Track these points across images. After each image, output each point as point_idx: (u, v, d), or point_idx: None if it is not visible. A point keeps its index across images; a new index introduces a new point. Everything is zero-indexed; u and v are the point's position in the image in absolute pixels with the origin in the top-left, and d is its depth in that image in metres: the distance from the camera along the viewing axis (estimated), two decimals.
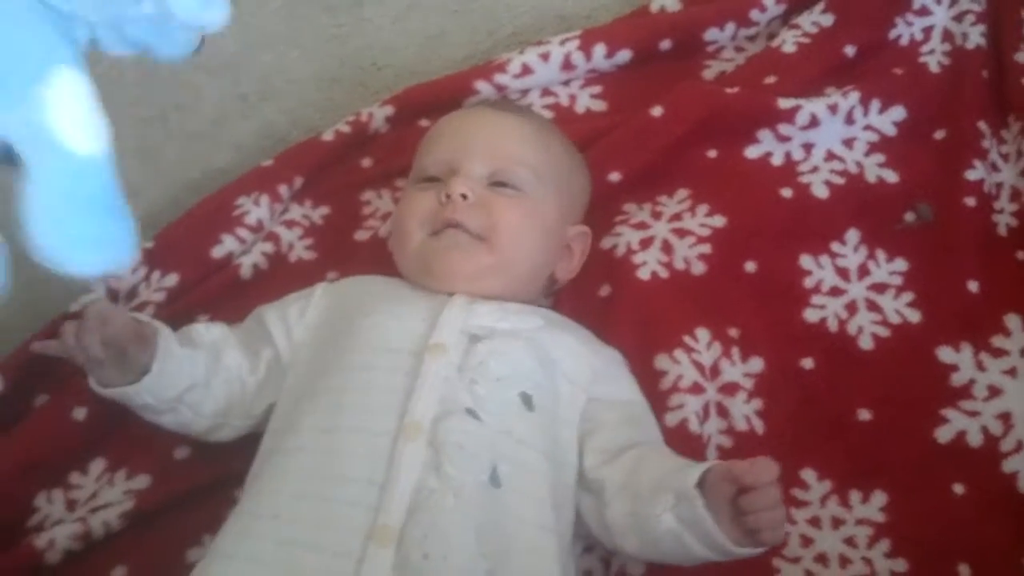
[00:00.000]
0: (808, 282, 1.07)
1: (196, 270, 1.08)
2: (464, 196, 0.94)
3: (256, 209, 1.11)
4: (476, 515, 0.79)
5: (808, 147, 1.15)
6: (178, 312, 1.03)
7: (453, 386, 0.84)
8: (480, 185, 0.96)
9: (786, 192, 1.12)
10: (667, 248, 1.07)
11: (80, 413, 0.97)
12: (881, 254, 1.08)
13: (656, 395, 0.96)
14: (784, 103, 1.14)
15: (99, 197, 0.60)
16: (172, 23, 0.63)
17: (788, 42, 1.21)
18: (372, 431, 0.82)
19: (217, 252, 1.09)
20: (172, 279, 1.07)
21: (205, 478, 0.95)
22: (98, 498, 0.95)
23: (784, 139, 1.15)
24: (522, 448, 0.84)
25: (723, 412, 0.99)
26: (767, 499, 0.76)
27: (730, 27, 1.24)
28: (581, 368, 0.92)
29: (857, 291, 1.06)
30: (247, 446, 0.90)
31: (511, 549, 0.80)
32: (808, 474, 0.96)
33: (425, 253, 0.94)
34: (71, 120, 0.59)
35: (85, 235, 0.59)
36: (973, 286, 1.05)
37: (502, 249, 0.94)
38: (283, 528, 0.78)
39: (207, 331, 0.94)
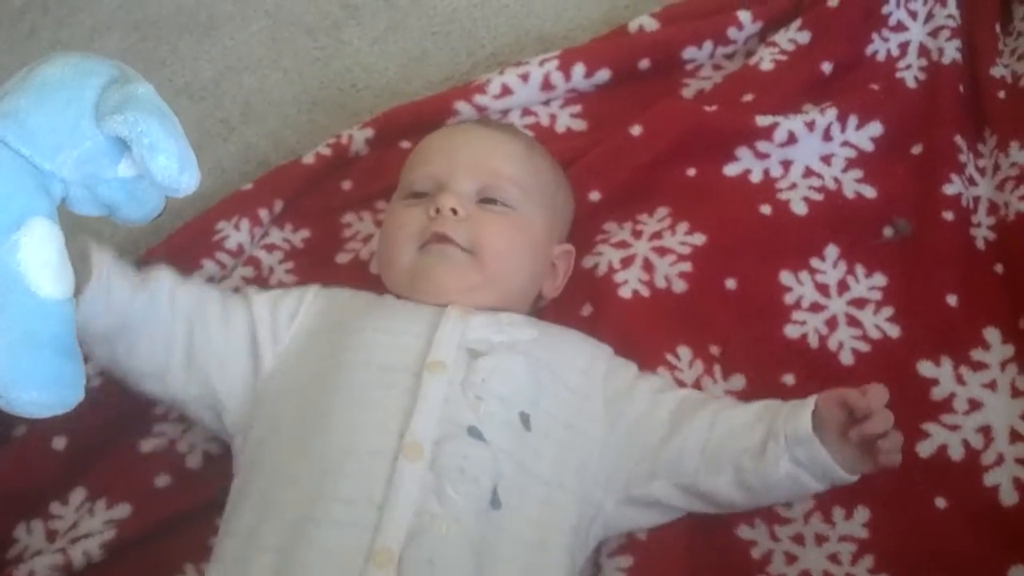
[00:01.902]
0: (788, 298, 1.07)
1: None
2: (454, 211, 0.94)
3: (236, 233, 1.11)
4: (475, 539, 0.79)
5: (786, 164, 1.15)
6: None
7: (455, 404, 0.84)
8: (469, 201, 0.96)
9: (765, 209, 1.12)
10: (648, 266, 1.07)
11: (60, 442, 0.97)
12: (860, 269, 1.09)
13: None
14: (762, 120, 1.15)
15: (58, 339, 0.65)
16: (143, 186, 0.68)
17: (765, 59, 1.22)
18: (369, 451, 0.81)
19: (198, 277, 1.09)
20: None
21: (186, 506, 0.95)
22: (78, 528, 0.94)
23: (762, 156, 1.15)
24: (520, 469, 0.84)
25: None
26: (884, 423, 0.83)
27: (708, 45, 1.24)
28: (580, 376, 0.92)
29: (837, 307, 1.06)
30: (229, 477, 0.90)
31: (511, 571, 0.80)
32: None
33: (414, 269, 0.94)
34: (41, 265, 0.64)
35: (39, 374, 0.64)
36: (952, 300, 1.06)
37: (491, 266, 0.94)
38: (286, 560, 0.78)
39: (171, 281, 0.91)
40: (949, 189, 1.12)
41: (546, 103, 1.22)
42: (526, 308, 1.00)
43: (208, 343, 0.91)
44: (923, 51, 1.23)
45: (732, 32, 1.24)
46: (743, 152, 1.15)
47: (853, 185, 1.14)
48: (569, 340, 0.96)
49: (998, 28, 1.24)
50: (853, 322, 1.05)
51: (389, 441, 0.81)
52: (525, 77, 1.20)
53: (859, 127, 1.17)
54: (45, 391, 0.64)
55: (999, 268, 1.09)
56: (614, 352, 0.98)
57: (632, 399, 0.92)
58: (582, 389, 0.91)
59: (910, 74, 1.21)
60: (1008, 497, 0.95)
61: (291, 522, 0.79)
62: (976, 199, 1.14)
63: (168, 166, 0.64)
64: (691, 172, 1.15)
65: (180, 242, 1.11)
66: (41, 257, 0.64)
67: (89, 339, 0.85)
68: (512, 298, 0.97)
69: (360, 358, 0.88)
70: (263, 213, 1.14)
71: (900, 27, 1.24)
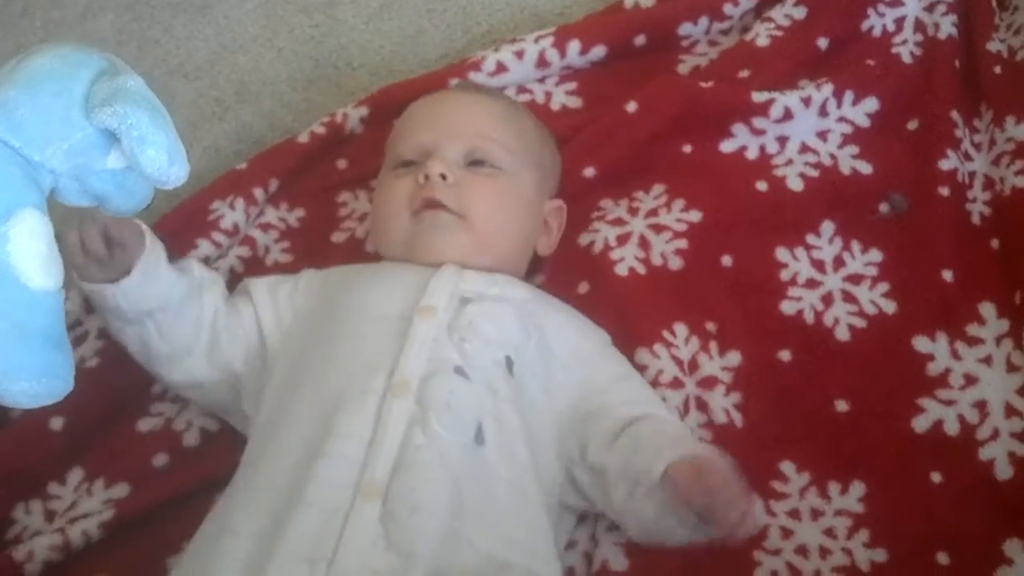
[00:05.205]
0: (784, 275, 1.07)
1: None
2: (443, 176, 0.94)
3: (231, 213, 1.11)
4: (458, 473, 0.81)
5: (782, 140, 1.15)
6: None
7: (442, 345, 0.86)
8: (457, 166, 0.96)
9: (761, 185, 1.12)
10: (644, 244, 1.07)
11: (57, 423, 0.97)
12: (856, 245, 1.09)
13: None
14: (758, 97, 1.14)
15: (47, 330, 0.65)
16: (132, 177, 0.68)
17: (761, 35, 1.21)
18: (362, 390, 0.83)
19: (193, 256, 1.08)
20: None
21: (184, 485, 0.95)
22: (77, 508, 0.95)
23: (758, 132, 1.15)
24: (505, 408, 0.86)
25: (702, 406, 0.99)
26: (727, 510, 0.77)
27: (704, 22, 1.24)
28: (569, 348, 0.93)
29: (833, 283, 1.06)
30: (227, 454, 0.91)
31: (488, 507, 0.81)
32: (787, 466, 0.96)
33: (410, 236, 0.95)
34: (30, 257, 0.64)
35: (30, 366, 0.64)
36: (948, 275, 1.06)
37: (483, 229, 0.95)
38: (282, 497, 0.79)
39: (201, 270, 0.96)
40: (945, 164, 1.12)
41: (541, 80, 1.22)
42: (523, 267, 1.02)
43: (227, 330, 0.93)
44: (919, 26, 1.22)
45: (728, 8, 1.24)
46: (739, 128, 1.15)
47: (849, 161, 1.14)
48: (567, 314, 0.97)
49: (994, 2, 1.24)
50: (849, 298, 1.05)
51: (379, 381, 0.84)
52: (520, 54, 1.20)
53: (855, 103, 1.16)
54: (35, 382, 0.64)
55: (995, 243, 1.09)
56: (611, 338, 0.98)
57: (601, 397, 0.91)
58: (569, 364, 0.92)
59: (906, 49, 1.21)
60: (1003, 471, 0.96)
61: (293, 465, 0.81)
62: (972, 174, 1.14)
63: (157, 159, 0.65)
64: (687, 149, 1.14)
65: (175, 222, 1.11)
66: (31, 248, 0.64)
67: (127, 316, 0.90)
68: (507, 259, 0.98)
69: (356, 309, 0.90)
70: (258, 192, 1.13)
71: (896, 2, 1.23)
